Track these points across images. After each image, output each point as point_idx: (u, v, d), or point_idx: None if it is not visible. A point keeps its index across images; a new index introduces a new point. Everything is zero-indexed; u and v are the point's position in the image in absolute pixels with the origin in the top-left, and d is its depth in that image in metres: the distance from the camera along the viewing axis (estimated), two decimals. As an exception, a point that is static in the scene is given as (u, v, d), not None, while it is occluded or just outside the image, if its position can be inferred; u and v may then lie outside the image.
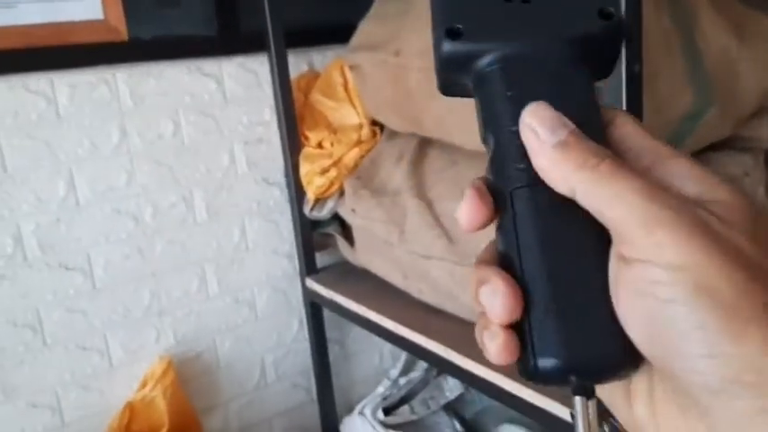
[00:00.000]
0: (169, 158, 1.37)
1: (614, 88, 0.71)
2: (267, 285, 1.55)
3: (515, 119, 0.28)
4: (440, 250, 1.07)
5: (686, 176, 0.26)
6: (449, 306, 1.17)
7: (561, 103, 0.27)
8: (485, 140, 0.31)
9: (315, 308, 1.54)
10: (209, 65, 1.39)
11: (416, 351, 1.17)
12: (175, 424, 1.35)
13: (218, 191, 1.44)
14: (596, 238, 0.26)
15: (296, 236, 1.52)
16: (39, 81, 1.21)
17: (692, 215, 0.24)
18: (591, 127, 0.27)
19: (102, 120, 1.28)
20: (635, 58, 0.69)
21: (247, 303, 1.53)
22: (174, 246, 1.40)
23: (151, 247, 1.37)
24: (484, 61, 0.30)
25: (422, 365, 1.64)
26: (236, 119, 1.44)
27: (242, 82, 1.44)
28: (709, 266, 0.23)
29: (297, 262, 1.56)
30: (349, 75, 1.44)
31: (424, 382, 1.62)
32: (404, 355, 1.66)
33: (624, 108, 0.73)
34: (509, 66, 0.29)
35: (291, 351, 1.62)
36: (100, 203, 1.30)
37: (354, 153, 1.40)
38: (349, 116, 1.46)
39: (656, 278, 0.23)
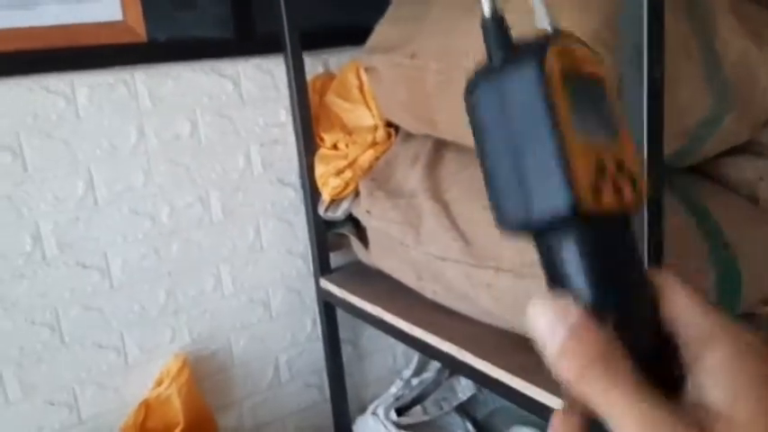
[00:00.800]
0: (186, 159, 1.38)
1: (635, 95, 0.71)
2: (281, 285, 1.56)
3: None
4: (456, 252, 1.07)
5: (717, 374, 0.24)
6: (463, 307, 1.18)
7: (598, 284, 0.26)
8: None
9: (328, 308, 1.55)
10: (227, 66, 1.40)
11: (430, 351, 1.18)
12: (190, 421, 1.36)
13: (234, 191, 1.45)
14: None
15: (310, 236, 1.53)
16: (59, 82, 1.22)
17: None
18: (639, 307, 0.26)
19: (120, 120, 1.29)
20: (656, 64, 0.69)
21: (262, 303, 1.54)
22: (189, 245, 1.41)
23: (167, 246, 1.38)
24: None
25: (434, 366, 1.65)
26: (252, 120, 1.45)
27: (258, 83, 1.45)
28: None
29: (311, 262, 1.56)
30: (364, 77, 1.45)
31: (436, 383, 1.63)
32: (417, 356, 1.66)
33: (645, 115, 0.73)
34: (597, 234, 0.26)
35: (305, 350, 1.63)
36: (117, 203, 1.31)
37: (369, 155, 1.41)
38: (364, 118, 1.46)
39: None
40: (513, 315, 1.01)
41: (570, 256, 0.26)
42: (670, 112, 0.84)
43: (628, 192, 0.26)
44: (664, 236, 0.80)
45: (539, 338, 0.25)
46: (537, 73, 0.25)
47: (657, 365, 0.25)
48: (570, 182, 0.24)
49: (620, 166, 0.26)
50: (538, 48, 0.26)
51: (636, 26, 0.71)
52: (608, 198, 0.25)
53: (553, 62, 0.25)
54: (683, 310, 0.26)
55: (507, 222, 0.27)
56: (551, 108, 0.25)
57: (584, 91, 0.26)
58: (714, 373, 0.23)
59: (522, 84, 0.25)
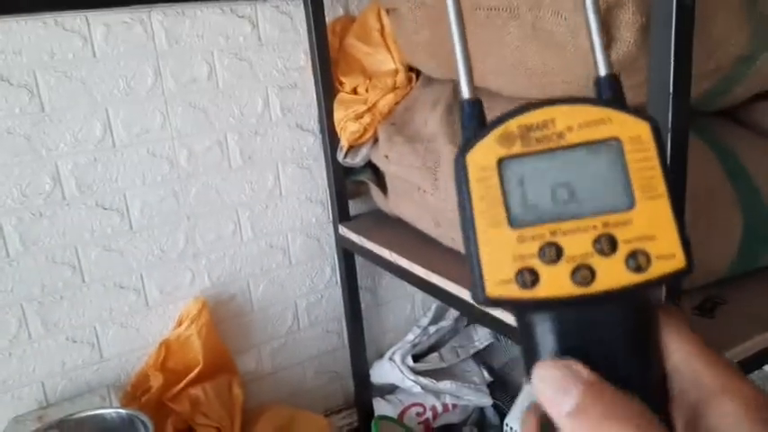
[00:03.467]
0: (204, 101, 1.36)
1: (662, 27, 0.66)
2: (301, 231, 1.55)
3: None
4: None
5: (736, 420, 0.23)
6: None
7: (610, 359, 0.25)
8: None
9: (347, 255, 1.55)
10: (244, 7, 1.37)
11: (446, 298, 1.17)
12: (210, 363, 1.39)
13: (253, 136, 1.44)
14: None
15: (329, 183, 1.52)
16: (74, 19, 1.20)
17: None
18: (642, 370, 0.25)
19: (137, 61, 1.28)
20: (686, -9, 0.64)
21: (281, 249, 1.54)
22: (208, 190, 1.41)
23: (186, 190, 1.38)
24: (536, 313, 0.26)
25: (452, 315, 1.64)
26: (270, 63, 1.43)
27: (277, 25, 1.42)
28: None
29: (330, 209, 1.56)
30: (385, 20, 1.41)
31: (453, 331, 1.63)
32: (434, 305, 1.66)
33: (672, 48, 0.69)
34: (560, 321, 0.26)
35: (324, 297, 1.63)
36: (135, 145, 1.31)
37: (389, 99, 1.38)
38: (385, 62, 1.43)
39: None
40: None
41: (536, 336, 0.26)
42: (702, 48, 0.79)
43: (610, 271, 0.24)
44: (686, 180, 0.77)
45: (547, 398, 0.24)
46: (459, 163, 0.26)
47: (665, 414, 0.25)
48: (477, 271, 0.25)
49: (611, 242, 0.25)
50: (473, 131, 0.27)
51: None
52: (552, 284, 0.25)
53: (480, 152, 0.26)
54: (694, 359, 0.25)
55: (474, 300, 0.27)
56: (464, 199, 0.26)
57: (540, 170, 0.26)
58: (732, 419, 0.23)
59: (457, 172, 0.26)
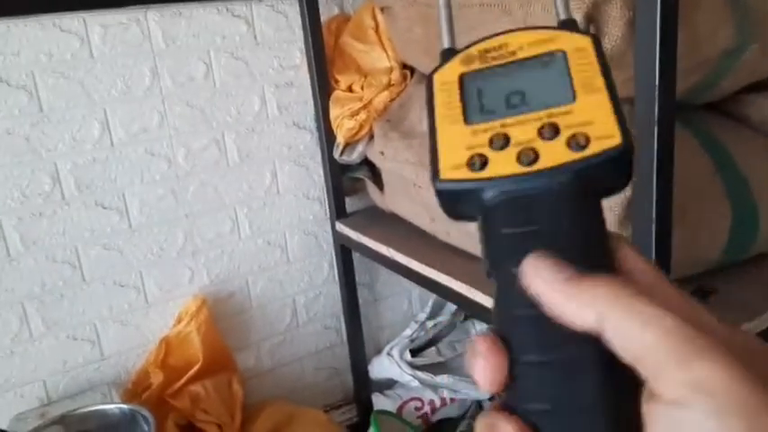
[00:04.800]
0: (200, 101, 1.38)
1: (647, 22, 0.68)
2: (298, 229, 1.57)
3: (515, 260, 0.26)
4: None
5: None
6: (475, 248, 1.17)
7: (566, 241, 0.26)
8: (489, 276, 0.29)
9: (345, 251, 1.56)
10: (240, 6, 1.38)
11: (442, 291, 1.18)
12: (209, 359, 1.40)
13: (249, 134, 1.45)
14: (618, 377, 0.24)
15: (326, 180, 1.53)
16: (72, 20, 1.22)
17: (729, 346, 0.22)
18: (598, 257, 0.26)
19: (134, 60, 1.29)
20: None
21: (279, 246, 1.55)
22: (206, 188, 1.42)
23: (184, 188, 1.40)
24: (486, 195, 0.28)
25: (449, 310, 1.66)
26: (266, 62, 1.44)
27: (272, 24, 1.43)
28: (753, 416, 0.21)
29: (327, 206, 1.57)
30: (380, 18, 1.42)
31: (451, 326, 1.64)
32: (432, 300, 1.67)
33: (658, 43, 0.71)
34: (511, 202, 0.27)
35: (322, 294, 1.65)
36: (133, 145, 1.32)
37: (384, 96, 1.39)
38: (379, 59, 1.44)
39: (691, 421, 0.22)
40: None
41: (491, 223, 0.28)
42: (687, 42, 0.81)
43: (552, 152, 0.27)
44: (674, 172, 0.78)
45: (539, 275, 0.25)
46: (429, 79, 0.31)
47: None
48: (435, 161, 0.29)
49: (554, 128, 0.27)
50: (445, 60, 0.32)
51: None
52: (499, 166, 0.27)
53: (446, 70, 0.31)
54: (632, 257, 0.27)
55: (436, 199, 0.30)
56: (430, 107, 0.30)
57: (494, 81, 0.30)
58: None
59: (426, 88, 0.32)
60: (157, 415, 1.26)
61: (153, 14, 1.29)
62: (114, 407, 1.20)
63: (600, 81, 0.28)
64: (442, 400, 1.58)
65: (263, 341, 1.58)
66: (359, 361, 1.67)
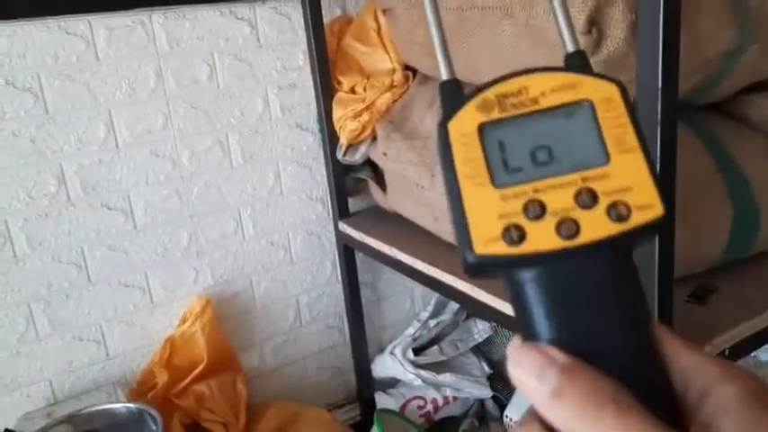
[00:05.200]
0: (205, 103, 1.39)
1: (650, 24, 0.69)
2: (301, 229, 1.58)
3: (553, 334, 0.25)
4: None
5: (731, 407, 0.23)
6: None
7: (607, 319, 0.25)
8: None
9: (348, 251, 1.57)
10: (243, 9, 1.39)
11: (446, 291, 1.20)
12: (214, 359, 1.41)
13: (253, 135, 1.46)
14: None
15: (329, 181, 1.54)
16: (77, 23, 1.23)
17: None
18: (644, 351, 0.25)
19: (139, 63, 1.30)
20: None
21: (282, 246, 1.56)
22: (210, 189, 1.43)
23: (188, 189, 1.41)
24: (526, 271, 0.26)
25: (451, 309, 1.67)
26: (269, 64, 1.45)
27: (275, 26, 1.44)
28: None
29: (330, 206, 1.58)
30: (382, 20, 1.43)
31: (453, 325, 1.65)
32: (434, 299, 1.68)
33: (661, 46, 0.72)
34: (550, 275, 0.26)
35: (325, 293, 1.66)
36: (138, 146, 1.33)
37: (387, 97, 1.40)
38: (382, 61, 1.45)
39: None
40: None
41: (527, 297, 0.26)
42: (689, 43, 0.82)
43: (594, 223, 0.25)
44: (676, 171, 0.79)
45: (524, 381, 0.24)
46: (442, 130, 0.28)
47: (657, 406, 0.24)
48: (464, 233, 0.26)
49: (592, 195, 0.26)
50: (453, 105, 0.28)
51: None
52: (538, 239, 0.25)
53: (462, 119, 0.28)
54: (684, 354, 0.25)
55: (463, 267, 0.27)
56: (447, 162, 0.27)
57: (518, 134, 0.27)
58: (727, 406, 0.23)
59: (440, 139, 0.28)
60: (163, 414, 1.27)
61: (157, 17, 1.30)
62: (122, 406, 1.21)
63: (633, 138, 0.26)
64: (445, 398, 1.60)
65: (266, 341, 1.59)
66: (362, 360, 1.68)
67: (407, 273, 1.31)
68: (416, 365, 1.56)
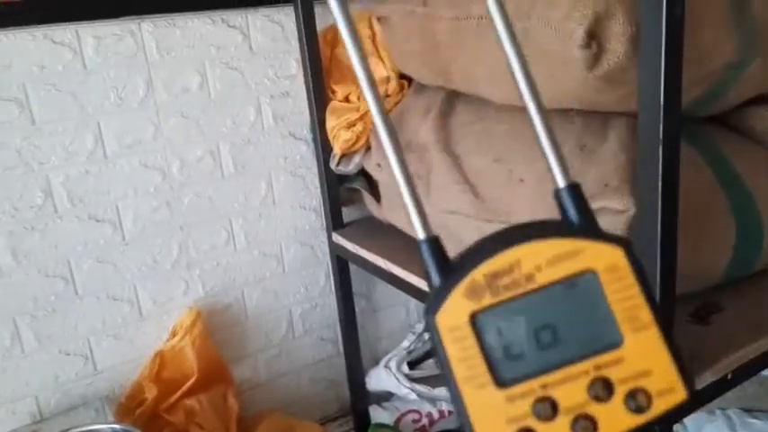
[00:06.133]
0: (195, 112, 1.36)
1: (653, 36, 0.66)
2: (294, 239, 1.55)
3: None
4: (466, 206, 1.05)
5: None
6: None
7: None
8: None
9: (341, 262, 1.54)
10: (235, 16, 1.37)
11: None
12: (204, 373, 1.38)
13: (245, 145, 1.44)
14: None
15: (322, 191, 1.51)
16: (64, 32, 1.20)
17: None
18: None
19: (128, 72, 1.27)
20: (676, 1, 0.64)
21: (275, 257, 1.53)
22: (201, 199, 1.40)
23: (179, 200, 1.38)
24: None
25: (448, 321, 1.64)
26: (262, 72, 1.42)
27: (268, 34, 1.41)
28: None
29: (323, 216, 1.55)
30: (377, 27, 1.41)
31: (449, 338, 1.62)
32: (430, 311, 1.66)
33: (663, 57, 0.69)
34: None
35: (319, 305, 1.63)
36: (127, 156, 1.30)
37: (381, 106, 1.38)
38: (376, 69, 1.43)
39: None
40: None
41: None
42: (692, 55, 0.80)
43: (611, 417, 0.23)
44: (679, 186, 0.77)
45: None
46: (430, 324, 0.25)
47: None
48: None
49: (606, 385, 0.23)
50: (440, 291, 0.25)
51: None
52: None
53: (449, 310, 0.25)
54: None
55: None
56: (443, 363, 0.24)
57: (517, 319, 0.24)
58: None
59: (430, 334, 0.25)
60: (152, 430, 1.24)
61: (147, 25, 1.28)
62: (107, 426, 1.18)
63: (646, 312, 0.24)
64: (441, 412, 1.57)
65: (259, 353, 1.56)
66: (356, 372, 1.65)
67: (401, 287, 1.29)
68: (411, 379, 1.53)
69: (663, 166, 0.69)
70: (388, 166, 1.24)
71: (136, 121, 1.30)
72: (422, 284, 1.20)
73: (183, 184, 1.38)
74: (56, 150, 1.23)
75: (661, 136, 0.67)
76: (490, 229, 0.92)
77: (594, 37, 0.78)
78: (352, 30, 0.28)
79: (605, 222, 0.81)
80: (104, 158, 1.28)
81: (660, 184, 0.74)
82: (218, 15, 1.35)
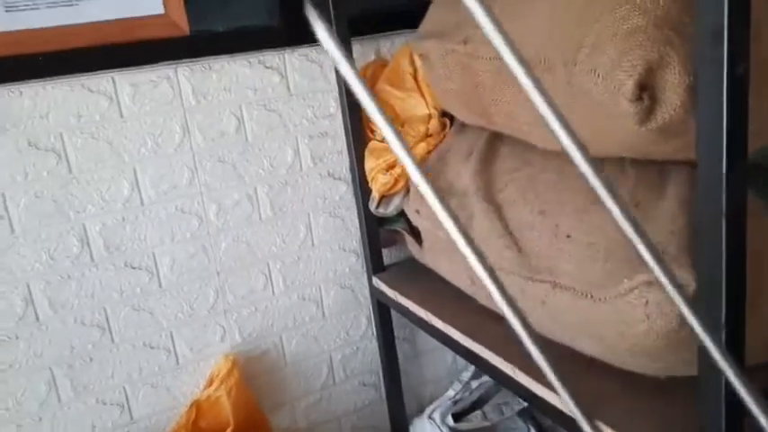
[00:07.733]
0: (232, 155, 1.34)
1: (712, 97, 0.58)
2: (334, 282, 1.50)
3: None
4: (508, 262, 0.97)
5: None
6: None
7: None
8: None
9: (382, 306, 1.49)
10: (272, 57, 1.34)
11: (481, 365, 1.10)
12: (241, 422, 1.34)
13: (283, 187, 1.40)
14: None
15: (362, 233, 1.47)
16: (101, 81, 1.19)
17: None
18: None
19: (164, 118, 1.26)
20: (739, 57, 0.56)
21: (314, 301, 1.49)
22: (238, 244, 1.38)
23: (216, 245, 1.35)
24: None
25: (495, 368, 1.56)
26: (300, 112, 1.39)
27: (306, 74, 1.38)
28: None
29: (364, 259, 1.50)
30: (419, 62, 1.36)
31: (498, 386, 1.54)
32: (476, 357, 1.58)
33: (725, 126, 0.60)
34: None
35: (360, 349, 1.57)
36: (164, 202, 1.29)
37: (422, 147, 1.32)
38: (417, 106, 1.37)
39: None
40: (572, 337, 0.91)
41: None
42: (756, 118, 0.71)
43: None
44: (746, 243, 0.68)
45: None
46: None
47: None
48: None
49: None
50: None
51: (715, 5, 0.59)
52: None
53: None
54: None
55: None
56: None
57: None
58: None
59: None
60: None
61: (183, 70, 1.26)
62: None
63: None
64: (487, 466, 1.48)
65: (298, 400, 1.52)
66: (399, 419, 1.59)
67: (442, 339, 1.22)
68: (456, 432, 1.45)
69: (726, 245, 0.60)
70: (427, 213, 1.18)
71: (172, 166, 1.28)
72: (462, 339, 1.13)
73: (219, 229, 1.35)
74: (92, 198, 1.22)
75: (724, 209, 0.59)
76: (533, 289, 0.84)
77: (646, 89, 0.71)
78: (372, 98, 0.23)
79: (659, 297, 0.73)
80: (141, 205, 1.27)
81: (724, 251, 0.66)
82: (255, 57, 1.33)
